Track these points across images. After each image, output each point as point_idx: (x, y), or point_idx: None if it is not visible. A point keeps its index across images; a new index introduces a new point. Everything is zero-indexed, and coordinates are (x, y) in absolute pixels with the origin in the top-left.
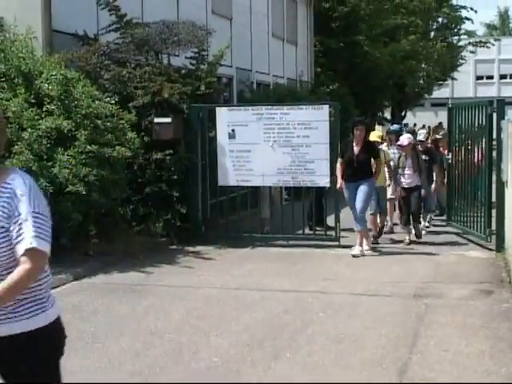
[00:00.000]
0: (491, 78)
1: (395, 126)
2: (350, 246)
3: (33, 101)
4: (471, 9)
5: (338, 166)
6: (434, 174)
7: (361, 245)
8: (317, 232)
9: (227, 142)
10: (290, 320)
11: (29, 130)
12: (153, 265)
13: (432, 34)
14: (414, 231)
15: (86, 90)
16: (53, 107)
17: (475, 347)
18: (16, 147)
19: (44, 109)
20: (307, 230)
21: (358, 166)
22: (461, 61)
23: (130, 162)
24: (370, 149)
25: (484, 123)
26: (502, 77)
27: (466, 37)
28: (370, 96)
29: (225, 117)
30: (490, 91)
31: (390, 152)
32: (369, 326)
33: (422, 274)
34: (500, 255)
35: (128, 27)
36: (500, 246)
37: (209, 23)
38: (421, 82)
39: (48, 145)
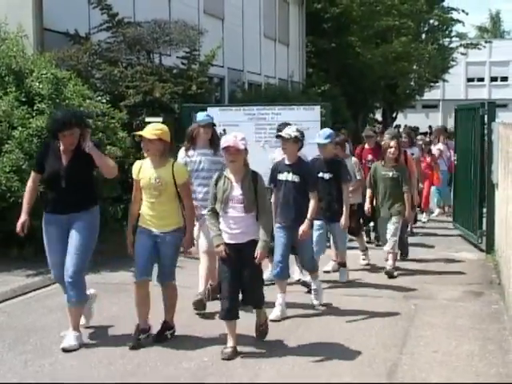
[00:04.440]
0: (482, 80)
1: (202, 115)
2: None
3: (23, 99)
4: (462, 11)
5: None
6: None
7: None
8: None
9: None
10: (279, 321)
11: (19, 128)
12: None
13: (423, 35)
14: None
15: (77, 89)
16: (43, 106)
17: (465, 348)
18: (6, 146)
19: (35, 107)
20: None
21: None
22: (452, 63)
23: (121, 162)
24: None
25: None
26: (493, 79)
27: (457, 39)
28: (362, 97)
29: (216, 117)
30: (480, 93)
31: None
32: (359, 327)
33: (412, 275)
34: (490, 256)
35: (119, 26)
36: (490, 248)
37: (201, 23)
38: (412, 83)
39: (38, 143)
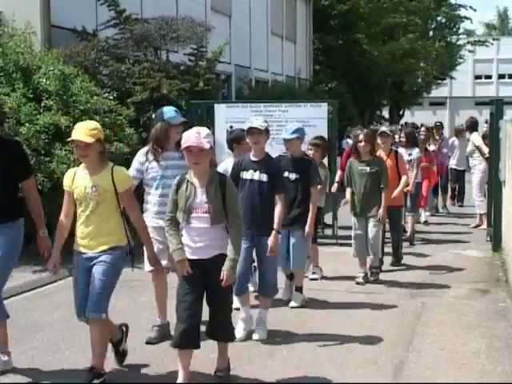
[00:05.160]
0: (489, 77)
1: (171, 112)
2: (348, 244)
3: (31, 96)
4: (470, 7)
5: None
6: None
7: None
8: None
9: (225, 138)
10: (286, 318)
11: (27, 125)
12: None
13: (431, 32)
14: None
15: (84, 86)
16: (51, 102)
17: (471, 346)
18: None
19: (42, 104)
20: None
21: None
22: (459, 60)
23: (128, 158)
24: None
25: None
26: (501, 76)
27: (464, 36)
28: (369, 94)
29: (223, 113)
30: (488, 91)
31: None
32: (365, 324)
33: (418, 273)
34: (497, 254)
35: (127, 23)
36: (497, 246)
37: (208, 20)
38: (419, 80)
39: (46, 140)
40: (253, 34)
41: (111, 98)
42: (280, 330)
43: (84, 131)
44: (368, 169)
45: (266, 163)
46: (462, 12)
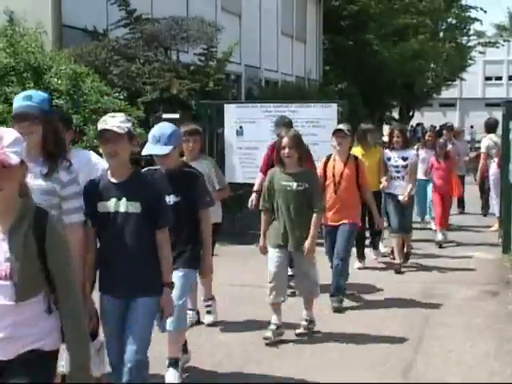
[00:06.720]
0: (500, 78)
1: (19, 99)
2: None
3: None
4: (481, 9)
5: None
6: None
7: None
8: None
9: (235, 138)
10: (294, 318)
11: None
12: None
13: (441, 34)
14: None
15: (94, 85)
16: (61, 102)
17: (480, 348)
18: None
19: (53, 103)
20: None
21: None
22: (470, 61)
23: (138, 158)
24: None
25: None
26: (511, 78)
27: (475, 37)
28: (379, 95)
29: (233, 114)
30: (498, 92)
31: None
32: (374, 326)
33: (428, 275)
34: (506, 256)
35: (137, 23)
36: (507, 248)
37: (218, 20)
38: (429, 81)
39: None
40: (263, 35)
41: (121, 97)
42: (288, 330)
43: None
44: (294, 185)
45: (136, 185)
46: (473, 13)
